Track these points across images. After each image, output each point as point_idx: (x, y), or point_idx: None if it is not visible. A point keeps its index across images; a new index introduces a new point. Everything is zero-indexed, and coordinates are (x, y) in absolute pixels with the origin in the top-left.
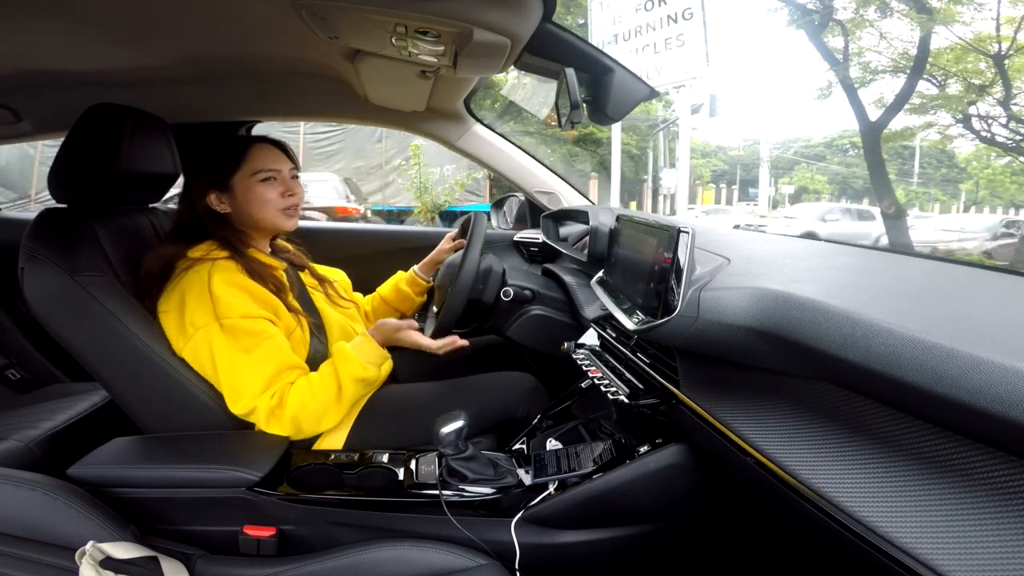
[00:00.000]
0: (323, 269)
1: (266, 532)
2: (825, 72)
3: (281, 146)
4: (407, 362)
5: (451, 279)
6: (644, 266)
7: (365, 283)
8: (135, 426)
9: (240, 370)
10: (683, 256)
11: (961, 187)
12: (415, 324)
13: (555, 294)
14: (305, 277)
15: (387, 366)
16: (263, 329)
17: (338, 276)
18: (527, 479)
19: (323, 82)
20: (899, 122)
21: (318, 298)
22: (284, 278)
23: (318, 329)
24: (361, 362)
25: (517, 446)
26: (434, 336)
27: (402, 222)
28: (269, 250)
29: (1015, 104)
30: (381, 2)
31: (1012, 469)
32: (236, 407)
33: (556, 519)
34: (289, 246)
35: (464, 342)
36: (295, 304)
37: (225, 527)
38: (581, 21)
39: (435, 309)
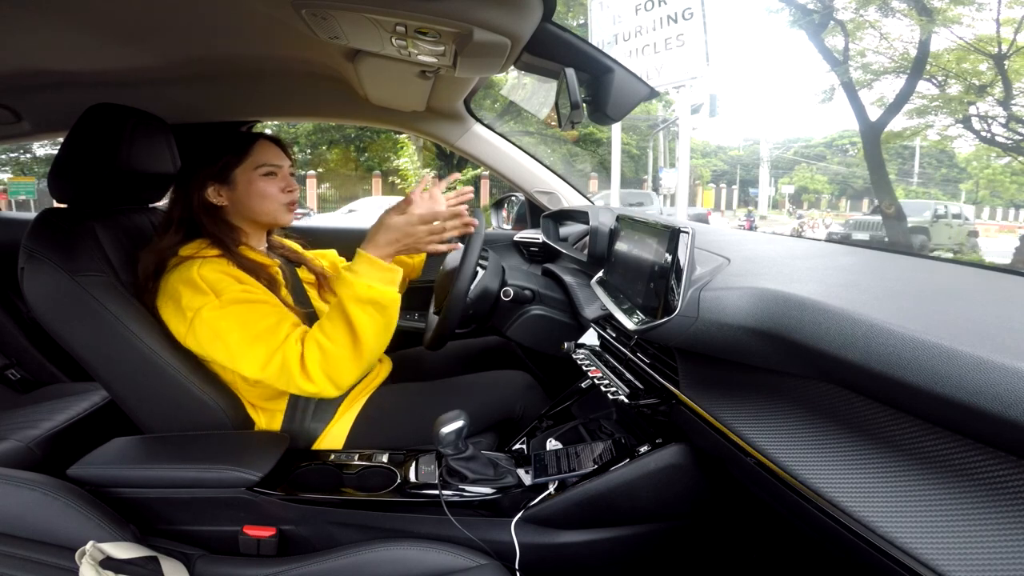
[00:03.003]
0: (317, 253)
1: (266, 532)
2: (826, 73)
3: (281, 144)
4: (407, 362)
5: (449, 283)
6: (644, 266)
7: None
8: (135, 426)
9: (252, 331)
10: (683, 256)
11: (961, 187)
12: (411, 197)
13: (555, 294)
14: (302, 273)
15: (398, 277)
16: (268, 299)
17: (330, 255)
18: (527, 479)
19: (323, 82)
20: (899, 123)
21: (314, 294)
22: (279, 274)
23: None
24: (362, 281)
25: (517, 446)
26: (433, 343)
27: None
28: (265, 245)
29: (1015, 104)
30: (381, 2)
31: (1012, 469)
32: (254, 369)
33: (556, 519)
34: (286, 241)
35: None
36: (288, 299)
37: (225, 527)
38: (581, 21)
39: (433, 309)
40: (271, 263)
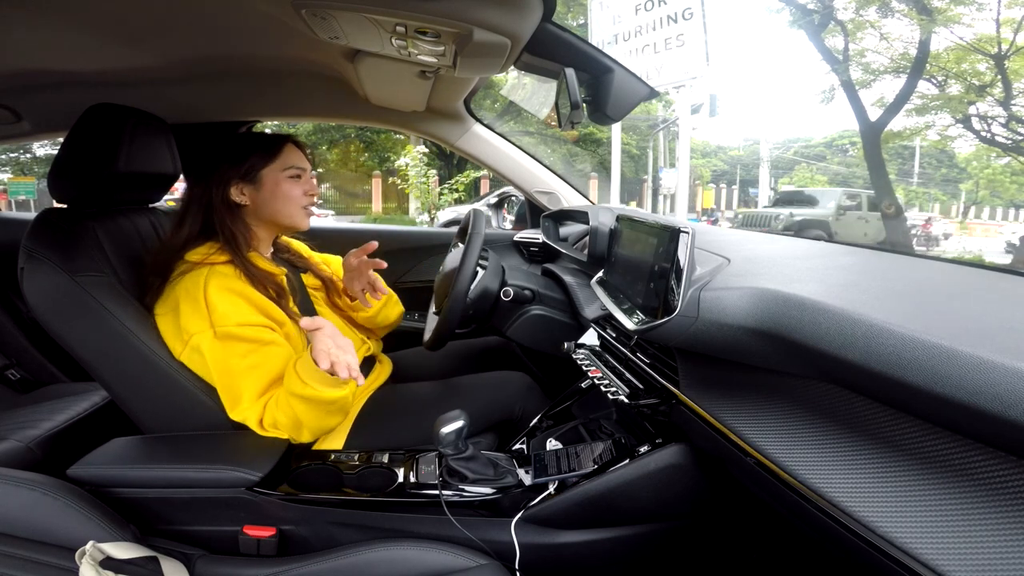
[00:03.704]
0: (322, 257)
1: (266, 532)
2: (827, 74)
3: (304, 148)
4: (407, 362)
5: (449, 283)
6: (644, 266)
7: None
8: (135, 426)
9: (236, 377)
10: (683, 256)
11: (961, 187)
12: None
13: (555, 294)
14: (307, 279)
15: (343, 388)
16: (260, 336)
17: (335, 265)
18: (527, 479)
19: (323, 82)
20: (899, 122)
21: (321, 300)
22: (285, 283)
23: None
24: (299, 380)
25: (517, 446)
26: (433, 343)
27: None
28: (271, 250)
29: (1015, 104)
30: (381, 2)
31: (1012, 469)
32: (233, 414)
33: (556, 519)
34: (292, 243)
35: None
36: (295, 310)
37: (225, 527)
38: (581, 21)
39: (433, 309)
40: (278, 272)
